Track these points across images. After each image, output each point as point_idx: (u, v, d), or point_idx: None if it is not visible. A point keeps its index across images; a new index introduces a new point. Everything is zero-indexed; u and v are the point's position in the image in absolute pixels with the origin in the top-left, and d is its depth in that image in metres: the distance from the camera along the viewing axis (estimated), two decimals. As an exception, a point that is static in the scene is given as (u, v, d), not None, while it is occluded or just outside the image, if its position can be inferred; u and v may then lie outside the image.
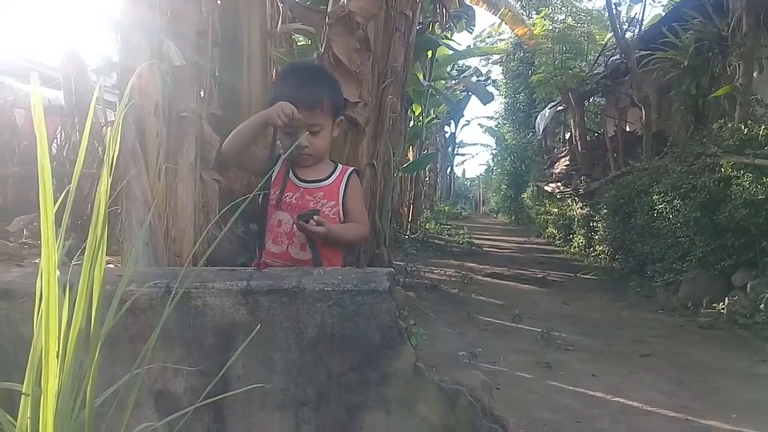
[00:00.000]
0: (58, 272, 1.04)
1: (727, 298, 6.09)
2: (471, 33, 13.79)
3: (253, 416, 1.69)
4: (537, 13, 16.77)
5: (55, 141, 5.93)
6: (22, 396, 1.08)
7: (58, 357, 1.01)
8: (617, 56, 11.72)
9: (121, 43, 3.02)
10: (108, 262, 3.74)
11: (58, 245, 1.11)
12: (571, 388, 3.99)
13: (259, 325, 1.55)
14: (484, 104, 14.37)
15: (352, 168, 2.28)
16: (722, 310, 6.04)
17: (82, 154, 1.15)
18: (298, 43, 6.53)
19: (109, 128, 1.26)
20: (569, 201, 13.32)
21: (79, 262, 1.21)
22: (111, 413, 1.29)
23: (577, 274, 9.56)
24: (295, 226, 2.09)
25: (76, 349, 1.06)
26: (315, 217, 1.98)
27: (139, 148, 2.64)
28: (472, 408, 1.72)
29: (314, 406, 1.69)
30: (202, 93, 3.27)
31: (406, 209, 15.47)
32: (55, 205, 1.08)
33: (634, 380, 4.20)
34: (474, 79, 18.50)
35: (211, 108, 3.32)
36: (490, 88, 18.54)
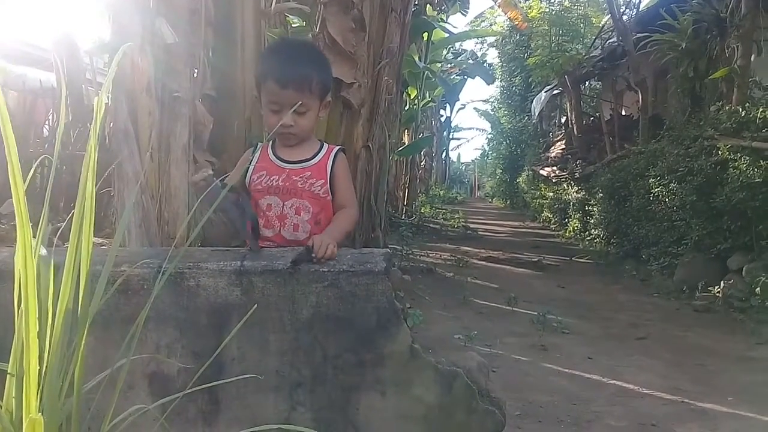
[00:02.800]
0: (44, 251, 1.01)
1: (722, 282, 6.10)
2: (465, 15, 13.71)
3: (248, 398, 1.67)
4: (533, -4, 16.66)
5: (47, 123, 5.88)
6: (8, 376, 1.05)
7: (39, 337, 0.98)
8: (614, 39, 11.66)
9: (113, 23, 2.97)
10: (102, 244, 3.71)
11: (41, 225, 1.08)
12: (567, 370, 3.99)
13: (255, 306, 1.52)
14: (488, 84, 14.41)
15: (339, 147, 2.24)
16: (718, 294, 6.04)
17: (60, 134, 1.12)
18: (293, 24, 6.46)
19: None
20: (565, 185, 13.30)
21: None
22: (102, 396, 1.26)
23: (573, 258, 9.56)
24: (284, 208, 2.07)
25: (64, 330, 1.04)
26: (311, 246, 1.72)
27: (132, 128, 2.60)
28: (468, 390, 1.70)
29: (309, 387, 1.67)
30: (195, 73, 3.23)
31: (401, 193, 15.45)
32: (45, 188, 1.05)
33: (630, 363, 4.20)
34: (471, 61, 18.37)
35: (205, 88, 3.28)
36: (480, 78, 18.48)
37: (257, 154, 2.18)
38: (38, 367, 0.99)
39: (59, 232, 1.52)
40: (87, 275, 1.11)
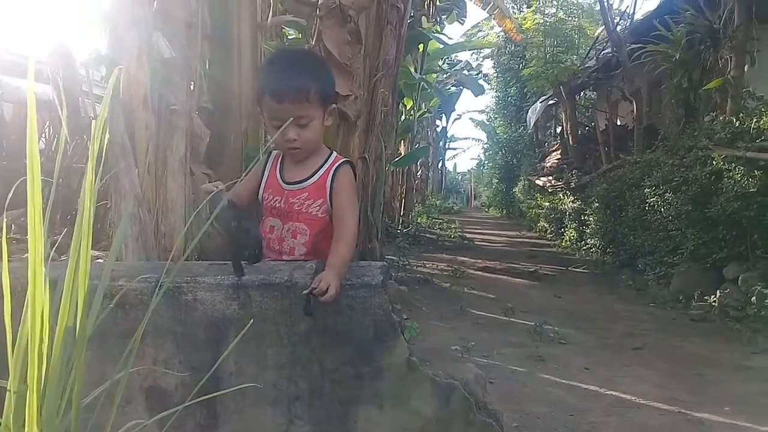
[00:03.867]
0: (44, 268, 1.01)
1: (718, 291, 6.10)
2: (462, 24, 13.80)
3: (246, 412, 1.67)
4: (528, 7, 16.75)
5: (43, 136, 5.87)
6: (7, 393, 1.05)
7: (42, 353, 0.98)
8: (608, 50, 11.72)
9: (109, 36, 2.99)
10: (98, 257, 3.71)
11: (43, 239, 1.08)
12: (564, 381, 3.99)
13: (251, 321, 1.52)
14: (476, 96, 14.46)
15: (343, 159, 2.15)
16: (714, 303, 6.05)
17: (61, 147, 1.13)
18: (289, 36, 6.49)
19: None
20: (561, 195, 13.34)
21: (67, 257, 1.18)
22: (99, 411, 1.26)
23: (569, 268, 9.57)
24: (283, 231, 2.04)
25: (63, 346, 1.04)
26: (313, 291, 1.63)
27: (128, 142, 2.60)
28: (466, 402, 1.70)
29: (307, 401, 1.67)
30: (192, 86, 3.23)
31: (397, 203, 15.46)
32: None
33: (627, 373, 4.20)
34: (465, 72, 18.47)
35: (202, 101, 3.29)
36: (481, 82, 18.60)
37: (268, 168, 2.13)
38: (41, 385, 0.99)
39: (56, 245, 1.52)
40: (86, 292, 1.11)
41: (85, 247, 1.07)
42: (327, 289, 1.61)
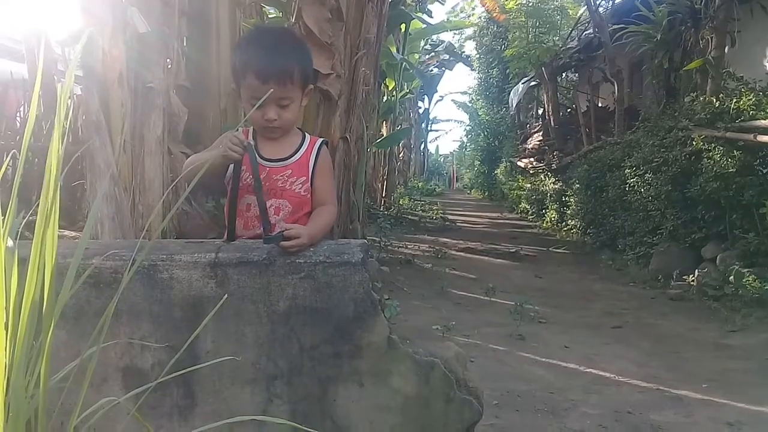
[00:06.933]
0: (10, 243, 0.98)
1: (697, 271, 6.17)
2: (443, 5, 13.74)
3: (224, 391, 1.65)
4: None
5: (18, 115, 5.78)
6: (-27, 372, 1.03)
7: (7, 331, 0.95)
8: (590, 30, 11.72)
9: (84, 12, 2.92)
10: (75, 237, 3.66)
11: (8, 216, 1.05)
12: (544, 359, 4.02)
13: (225, 296, 1.50)
14: (472, 69, 14.66)
15: (322, 140, 2.14)
16: (692, 282, 6.12)
17: (30, 125, 1.09)
18: (269, 15, 6.41)
19: (71, 101, 1.19)
20: (542, 176, 13.39)
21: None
22: (75, 389, 1.24)
23: (550, 249, 9.63)
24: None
25: (30, 324, 1.01)
26: (284, 233, 1.71)
27: (103, 119, 2.55)
28: (446, 380, 1.70)
29: (286, 380, 1.66)
30: (169, 64, 3.19)
31: (380, 185, 15.43)
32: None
33: (607, 351, 4.24)
34: (446, 56, 18.39)
35: (179, 79, 3.25)
36: (463, 65, 18.59)
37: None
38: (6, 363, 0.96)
39: (23, 223, 1.49)
40: (53, 267, 1.08)
41: (51, 220, 1.04)
42: (296, 238, 1.68)
